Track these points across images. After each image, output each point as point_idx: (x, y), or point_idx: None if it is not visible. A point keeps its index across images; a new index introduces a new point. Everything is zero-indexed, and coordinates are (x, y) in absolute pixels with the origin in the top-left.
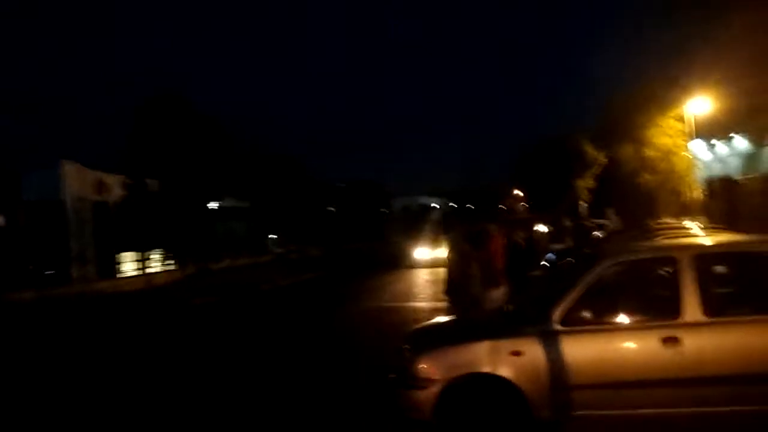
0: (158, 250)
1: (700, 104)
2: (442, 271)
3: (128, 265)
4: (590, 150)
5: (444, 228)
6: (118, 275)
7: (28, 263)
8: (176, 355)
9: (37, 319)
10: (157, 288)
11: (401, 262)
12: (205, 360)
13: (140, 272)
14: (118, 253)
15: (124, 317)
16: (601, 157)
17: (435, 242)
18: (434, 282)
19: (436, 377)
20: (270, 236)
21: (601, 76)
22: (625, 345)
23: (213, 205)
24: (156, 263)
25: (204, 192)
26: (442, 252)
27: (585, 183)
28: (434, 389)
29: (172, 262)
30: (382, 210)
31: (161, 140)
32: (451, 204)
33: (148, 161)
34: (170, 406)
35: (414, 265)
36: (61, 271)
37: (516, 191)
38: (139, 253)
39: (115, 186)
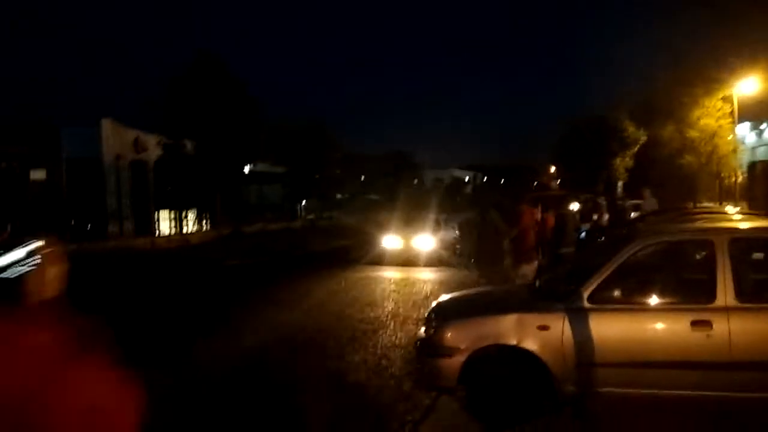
0: (194, 210)
1: (749, 85)
2: (416, 276)
3: (164, 223)
4: (631, 128)
5: (472, 201)
6: (155, 233)
7: (68, 217)
8: (198, 313)
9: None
10: (191, 247)
11: (359, 255)
12: (230, 318)
13: (176, 231)
14: (155, 211)
15: (154, 274)
16: (642, 136)
17: (423, 226)
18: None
19: (463, 347)
20: (302, 203)
21: (646, 56)
22: (653, 326)
23: (247, 169)
24: (191, 223)
25: (238, 155)
26: (428, 242)
27: (623, 162)
28: (460, 358)
29: (207, 222)
30: (414, 181)
31: (199, 102)
32: (484, 178)
33: (185, 122)
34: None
35: (378, 261)
36: (99, 227)
37: (550, 168)
38: (176, 212)
39: (153, 145)
